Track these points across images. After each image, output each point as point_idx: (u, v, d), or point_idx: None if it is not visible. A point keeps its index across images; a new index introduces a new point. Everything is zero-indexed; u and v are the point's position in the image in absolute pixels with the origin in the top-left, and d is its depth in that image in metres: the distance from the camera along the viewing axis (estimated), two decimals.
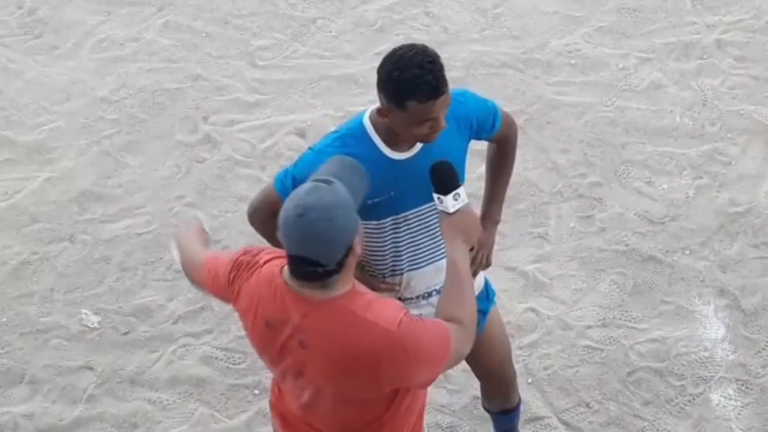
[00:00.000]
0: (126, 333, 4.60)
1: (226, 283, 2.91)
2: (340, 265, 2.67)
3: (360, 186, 2.84)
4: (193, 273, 3.10)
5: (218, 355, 4.49)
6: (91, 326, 4.64)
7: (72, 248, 4.92)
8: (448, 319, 2.81)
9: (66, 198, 5.13)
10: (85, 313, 4.67)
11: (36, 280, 4.81)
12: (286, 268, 2.76)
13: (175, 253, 3.26)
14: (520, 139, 5.06)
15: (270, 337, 2.80)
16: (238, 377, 4.41)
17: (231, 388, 4.39)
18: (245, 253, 2.90)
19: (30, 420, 4.35)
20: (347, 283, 2.73)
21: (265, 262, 2.83)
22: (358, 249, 2.71)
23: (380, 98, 3.05)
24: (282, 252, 2.80)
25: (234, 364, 4.44)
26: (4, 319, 4.68)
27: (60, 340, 4.59)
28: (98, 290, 4.75)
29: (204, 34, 5.89)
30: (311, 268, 2.65)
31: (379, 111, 3.08)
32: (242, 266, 2.87)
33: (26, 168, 5.27)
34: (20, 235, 4.99)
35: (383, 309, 2.73)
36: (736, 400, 4.25)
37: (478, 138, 3.32)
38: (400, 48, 3.04)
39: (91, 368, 4.49)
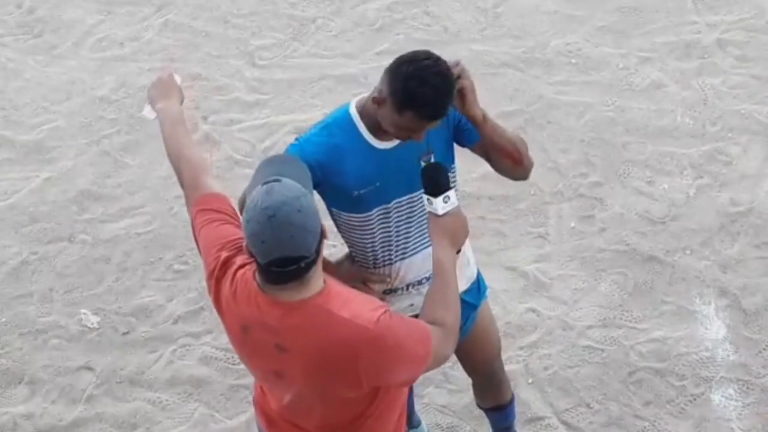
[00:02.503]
0: (125, 333, 4.60)
1: (215, 261, 2.87)
2: (317, 253, 2.67)
3: (304, 175, 2.88)
4: (186, 185, 3.08)
5: (218, 356, 4.48)
6: (91, 326, 4.63)
7: (71, 248, 4.92)
8: (431, 321, 2.80)
9: (65, 198, 5.12)
10: (85, 313, 4.67)
11: (35, 280, 4.81)
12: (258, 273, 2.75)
13: (147, 111, 3.25)
14: None
15: (248, 341, 2.79)
16: (237, 377, 4.41)
17: (231, 389, 4.39)
18: (233, 247, 2.86)
19: (29, 420, 4.34)
20: (320, 279, 2.72)
21: (240, 267, 2.82)
22: (326, 231, 2.72)
23: (383, 87, 3.05)
24: None
25: (233, 364, 4.43)
26: (4, 319, 4.68)
27: (59, 340, 4.59)
28: (98, 290, 4.75)
29: (204, 34, 5.89)
30: (293, 266, 2.64)
31: (374, 99, 3.08)
32: (218, 274, 2.86)
33: (25, 168, 5.27)
34: (19, 235, 4.98)
35: (361, 307, 2.72)
36: (737, 401, 4.25)
37: (462, 136, 3.28)
38: (426, 57, 3.02)
39: (90, 368, 4.49)
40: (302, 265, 2.64)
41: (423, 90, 2.97)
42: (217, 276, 2.84)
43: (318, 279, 2.71)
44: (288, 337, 2.71)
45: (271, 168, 2.88)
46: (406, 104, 3.00)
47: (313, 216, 2.66)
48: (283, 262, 2.63)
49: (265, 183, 2.69)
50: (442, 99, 3.00)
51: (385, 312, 2.72)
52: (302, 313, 2.69)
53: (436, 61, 3.03)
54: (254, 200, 2.65)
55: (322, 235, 2.68)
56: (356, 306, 2.71)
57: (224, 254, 2.84)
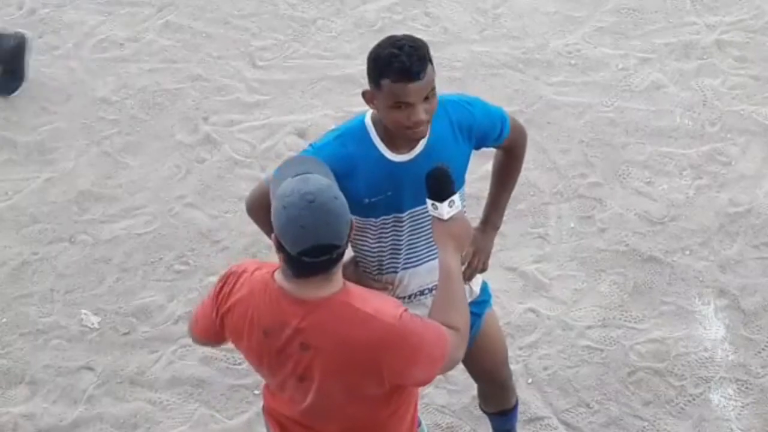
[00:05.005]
0: (126, 333, 4.60)
1: (216, 317, 2.91)
2: (347, 243, 2.71)
3: (328, 172, 2.91)
4: (191, 333, 3.13)
5: (218, 356, 4.48)
6: (91, 327, 4.64)
7: (72, 249, 4.92)
8: (443, 324, 2.83)
9: (66, 198, 5.13)
10: (85, 314, 4.67)
11: (36, 281, 4.81)
12: (278, 273, 2.77)
13: None
14: None
15: (269, 346, 2.80)
16: (238, 377, 4.41)
17: (231, 389, 4.39)
18: (224, 282, 2.90)
19: (30, 420, 4.35)
20: (341, 277, 2.76)
21: (253, 271, 2.84)
22: (354, 224, 2.76)
23: (368, 79, 3.09)
24: (265, 263, 2.82)
25: (234, 364, 4.44)
26: (4, 320, 4.68)
27: (60, 340, 4.59)
28: (98, 291, 4.75)
29: (204, 35, 5.89)
30: (324, 256, 2.67)
31: (363, 93, 3.10)
32: (226, 290, 2.89)
33: (26, 168, 5.27)
34: (20, 236, 4.99)
35: (382, 303, 2.77)
36: (736, 401, 4.25)
37: (485, 146, 3.32)
38: (396, 35, 3.08)
39: (91, 369, 4.49)
40: (334, 255, 2.68)
41: (389, 51, 2.99)
42: (221, 298, 2.87)
43: (340, 277, 2.75)
44: (313, 334, 2.73)
45: (297, 167, 2.88)
46: (378, 73, 3.01)
47: (346, 205, 2.71)
48: (316, 250, 2.66)
49: (296, 175, 2.72)
50: (409, 54, 2.98)
51: (405, 310, 2.76)
52: (326, 310, 2.72)
53: (405, 35, 3.06)
54: (290, 188, 2.68)
55: (351, 227, 2.72)
56: (377, 303, 2.76)
57: (224, 289, 2.88)
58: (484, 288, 3.57)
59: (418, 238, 3.28)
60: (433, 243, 3.27)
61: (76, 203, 5.11)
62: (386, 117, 3.07)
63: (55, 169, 5.26)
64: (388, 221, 3.23)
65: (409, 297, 3.38)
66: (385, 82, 3.00)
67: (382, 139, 3.14)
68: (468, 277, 3.41)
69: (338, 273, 2.74)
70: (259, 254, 4.75)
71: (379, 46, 3.05)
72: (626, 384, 4.31)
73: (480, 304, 3.53)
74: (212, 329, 2.93)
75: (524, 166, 4.98)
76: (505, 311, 4.52)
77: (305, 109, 5.46)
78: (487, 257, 3.51)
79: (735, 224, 4.84)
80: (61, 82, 5.67)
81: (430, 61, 3.03)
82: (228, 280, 2.88)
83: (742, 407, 4.23)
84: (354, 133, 3.17)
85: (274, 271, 2.79)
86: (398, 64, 2.97)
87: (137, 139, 5.38)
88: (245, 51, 5.78)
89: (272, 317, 2.76)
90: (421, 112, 3.02)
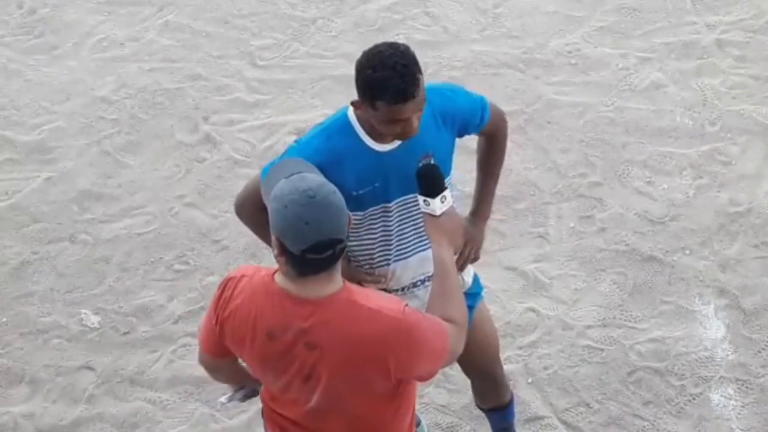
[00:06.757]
0: (126, 333, 4.60)
1: (215, 325, 2.90)
2: (347, 238, 2.73)
3: (317, 172, 2.92)
4: (200, 356, 3.09)
5: None
6: (91, 326, 4.64)
7: (72, 248, 4.92)
8: (442, 318, 2.84)
9: (66, 198, 5.13)
10: (85, 313, 4.68)
11: (36, 280, 4.81)
12: (278, 275, 2.77)
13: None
14: (520, 139, 5.10)
15: (273, 348, 2.79)
16: None
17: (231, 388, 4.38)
18: (223, 288, 2.89)
19: (30, 420, 4.35)
20: (341, 275, 2.77)
21: (252, 275, 2.84)
22: (351, 218, 2.78)
23: (357, 91, 3.07)
24: (263, 267, 2.83)
25: None
26: (5, 319, 4.68)
27: (60, 340, 4.59)
28: (98, 290, 4.75)
29: (204, 34, 5.89)
30: (329, 251, 2.67)
31: (353, 103, 3.11)
32: (225, 295, 2.88)
33: (26, 168, 5.28)
34: (20, 235, 4.99)
35: (384, 299, 2.79)
36: (736, 400, 4.25)
37: (467, 133, 3.34)
38: (380, 46, 3.05)
39: (91, 368, 4.50)
40: (336, 250, 2.68)
41: (382, 74, 2.96)
42: (221, 305, 2.86)
43: (340, 275, 2.76)
44: (318, 333, 2.73)
45: (287, 169, 2.89)
46: (373, 95, 2.99)
47: (343, 200, 2.72)
48: (321, 246, 2.66)
49: (290, 176, 2.73)
50: (403, 76, 2.96)
51: (406, 305, 2.78)
52: (331, 308, 2.73)
53: (391, 45, 3.03)
54: (288, 188, 2.68)
55: (350, 221, 2.73)
56: (380, 299, 2.78)
57: (224, 294, 2.87)
58: (476, 279, 3.59)
59: (407, 227, 3.30)
60: (422, 232, 3.28)
61: (76, 203, 5.11)
62: (379, 128, 3.08)
63: (55, 168, 5.27)
64: (376, 212, 3.25)
65: (403, 289, 3.40)
66: (381, 104, 3.00)
67: (366, 130, 3.15)
68: (460, 267, 3.41)
69: (339, 271, 2.75)
70: (258, 254, 4.76)
71: (370, 67, 3.00)
72: (626, 383, 4.31)
73: (472, 296, 3.54)
74: (213, 339, 2.92)
75: (524, 165, 5.06)
76: (505, 311, 4.53)
77: (305, 108, 5.46)
78: (479, 247, 3.53)
79: (735, 224, 4.84)
80: (60, 82, 5.68)
81: (419, 70, 3.02)
82: (227, 286, 2.86)
83: (742, 407, 4.23)
84: (338, 126, 3.19)
85: (274, 273, 2.79)
86: (394, 89, 2.96)
87: (137, 138, 5.38)
88: (245, 51, 5.79)
89: (276, 319, 2.76)
90: (415, 122, 3.05)
